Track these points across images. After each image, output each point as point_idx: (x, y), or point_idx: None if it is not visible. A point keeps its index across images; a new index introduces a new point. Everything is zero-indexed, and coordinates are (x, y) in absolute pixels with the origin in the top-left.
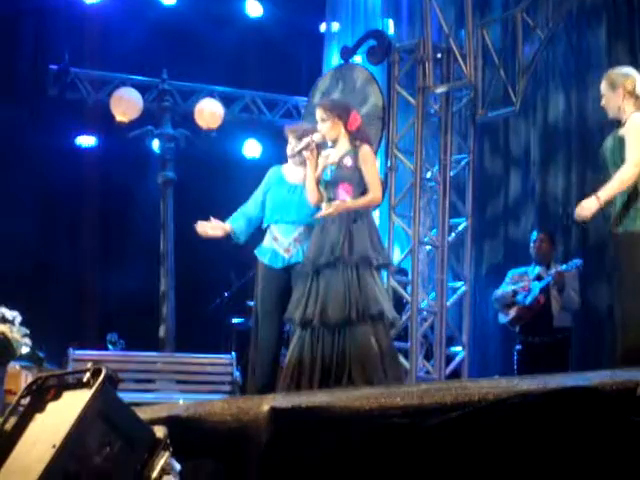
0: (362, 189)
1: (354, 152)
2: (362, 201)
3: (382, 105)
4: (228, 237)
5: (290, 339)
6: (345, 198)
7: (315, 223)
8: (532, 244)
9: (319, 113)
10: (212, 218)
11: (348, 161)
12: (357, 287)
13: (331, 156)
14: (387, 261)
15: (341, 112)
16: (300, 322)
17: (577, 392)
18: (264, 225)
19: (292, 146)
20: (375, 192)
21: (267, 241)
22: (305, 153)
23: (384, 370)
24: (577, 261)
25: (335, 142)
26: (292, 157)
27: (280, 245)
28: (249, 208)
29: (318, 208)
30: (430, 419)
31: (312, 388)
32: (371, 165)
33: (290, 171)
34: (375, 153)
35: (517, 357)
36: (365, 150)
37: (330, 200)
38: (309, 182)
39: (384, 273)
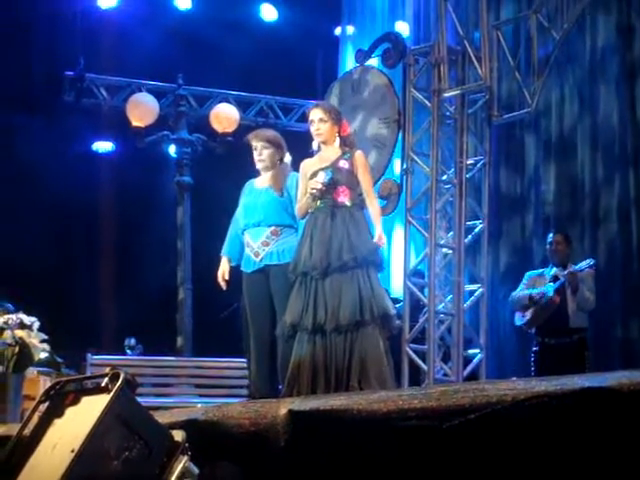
0: (357, 190)
1: (349, 155)
2: (377, 215)
3: (397, 108)
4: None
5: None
6: (344, 201)
7: (283, 223)
8: (548, 245)
9: (319, 113)
10: (221, 278)
11: (344, 164)
12: (370, 288)
13: (322, 159)
14: (383, 264)
15: (337, 116)
16: (312, 328)
17: (595, 392)
18: (240, 234)
19: (258, 152)
20: (375, 198)
21: (245, 248)
22: (317, 193)
23: (390, 373)
24: (590, 261)
25: (326, 144)
26: (260, 162)
27: (251, 250)
28: (233, 230)
29: (302, 218)
30: (448, 421)
31: (328, 391)
32: (367, 171)
33: (259, 179)
34: (391, 156)
35: (534, 358)
36: (360, 155)
37: (326, 202)
38: (305, 201)
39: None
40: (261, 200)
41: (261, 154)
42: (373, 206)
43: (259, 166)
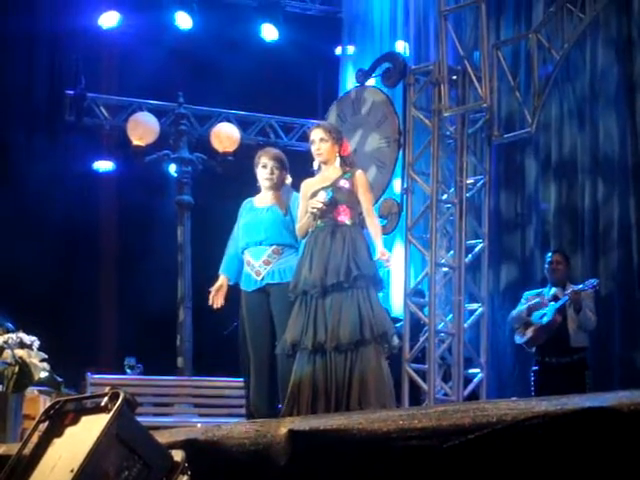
0: (358, 209)
1: (349, 175)
2: (378, 233)
3: (398, 127)
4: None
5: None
6: (344, 220)
7: (285, 243)
8: (548, 265)
9: (320, 133)
10: (214, 292)
11: (345, 184)
12: (370, 307)
13: (323, 178)
14: (383, 283)
15: (338, 136)
16: (312, 347)
17: (595, 413)
18: (240, 253)
19: (268, 170)
20: (376, 217)
21: (244, 267)
22: (317, 212)
23: (390, 392)
24: (593, 281)
25: (326, 163)
26: (269, 180)
27: (252, 268)
28: (232, 248)
29: (303, 238)
30: (448, 441)
31: (328, 411)
32: (368, 190)
33: (258, 198)
34: (391, 175)
35: (534, 378)
36: (361, 174)
37: (326, 221)
38: (306, 221)
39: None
40: (264, 219)
41: (272, 173)
42: (374, 225)
43: (266, 184)
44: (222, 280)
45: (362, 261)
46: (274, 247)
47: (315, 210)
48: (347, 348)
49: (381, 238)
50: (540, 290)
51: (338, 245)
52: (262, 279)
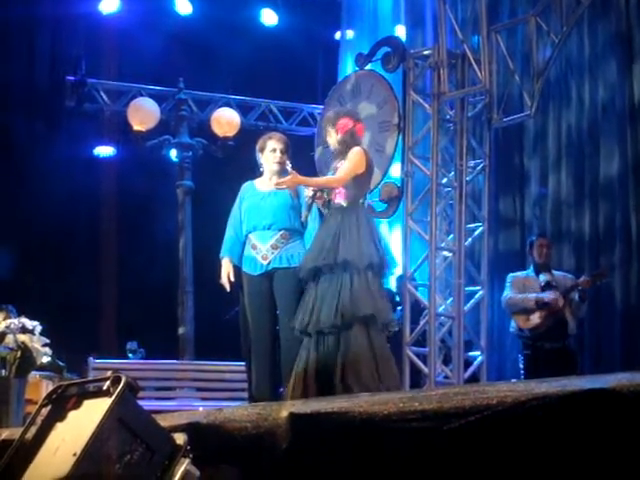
0: (356, 191)
1: (345, 155)
2: (322, 180)
3: (397, 111)
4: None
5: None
6: (340, 201)
7: (293, 228)
8: (536, 249)
9: (326, 125)
10: (226, 278)
11: (340, 164)
12: (349, 290)
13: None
14: (383, 265)
15: (333, 120)
16: (299, 331)
17: (596, 394)
18: (242, 236)
19: (279, 154)
20: (337, 177)
21: (247, 250)
22: (309, 201)
23: (379, 374)
24: (608, 276)
25: (334, 148)
26: (279, 164)
27: (258, 252)
28: (233, 231)
29: (305, 225)
30: (449, 423)
31: (319, 394)
32: (351, 161)
33: (261, 182)
34: (391, 160)
35: (525, 362)
36: (353, 151)
37: (326, 204)
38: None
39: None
40: (272, 203)
41: (282, 157)
42: (331, 179)
43: (276, 168)
44: (228, 264)
45: (346, 243)
46: (282, 232)
47: (307, 199)
48: (330, 332)
49: (314, 180)
50: (525, 273)
51: (330, 227)
52: (269, 263)
